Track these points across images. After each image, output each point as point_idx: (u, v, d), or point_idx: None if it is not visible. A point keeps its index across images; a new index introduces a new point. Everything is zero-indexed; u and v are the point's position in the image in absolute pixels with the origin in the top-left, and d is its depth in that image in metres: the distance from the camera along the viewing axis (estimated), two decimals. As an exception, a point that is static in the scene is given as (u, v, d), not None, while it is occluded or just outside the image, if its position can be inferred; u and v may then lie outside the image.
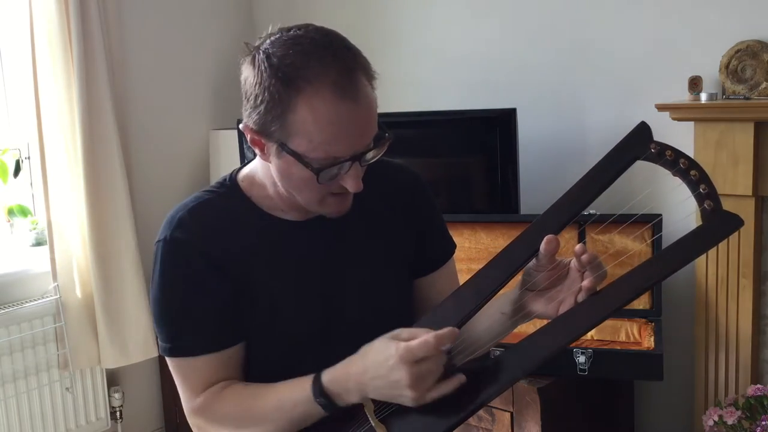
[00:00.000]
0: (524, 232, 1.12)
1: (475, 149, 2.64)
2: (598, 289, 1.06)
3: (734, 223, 1.00)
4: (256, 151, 1.14)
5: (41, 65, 2.56)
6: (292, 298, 1.20)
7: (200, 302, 1.17)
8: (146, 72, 2.99)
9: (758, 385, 2.07)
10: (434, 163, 2.73)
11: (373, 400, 1.09)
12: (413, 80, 2.97)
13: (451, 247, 1.38)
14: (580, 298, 1.06)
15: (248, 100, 1.08)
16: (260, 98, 1.05)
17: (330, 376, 1.11)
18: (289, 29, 1.08)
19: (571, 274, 1.09)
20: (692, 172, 1.01)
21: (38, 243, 2.78)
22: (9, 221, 2.79)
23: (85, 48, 2.60)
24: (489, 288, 1.10)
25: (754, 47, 2.18)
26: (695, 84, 2.25)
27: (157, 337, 1.23)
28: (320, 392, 1.10)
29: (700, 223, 1.01)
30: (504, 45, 2.75)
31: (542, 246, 1.07)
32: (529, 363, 1.03)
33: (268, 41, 1.08)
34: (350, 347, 1.19)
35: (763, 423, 1.98)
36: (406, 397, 1.04)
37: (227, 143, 3.03)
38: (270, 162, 1.13)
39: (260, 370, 1.22)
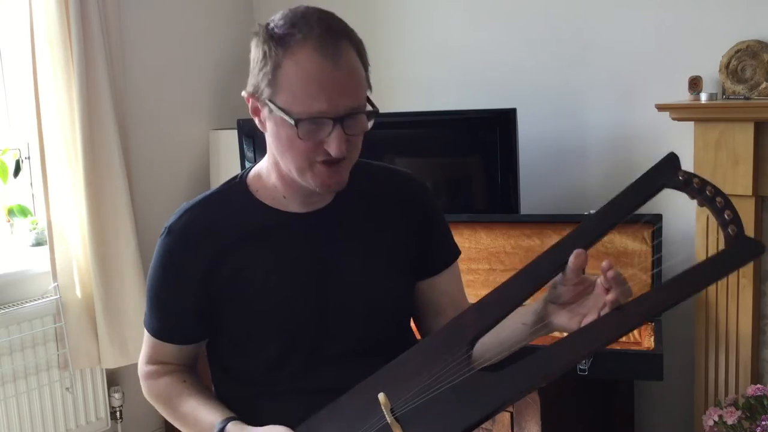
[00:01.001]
0: (552, 248, 1.13)
1: (475, 149, 2.63)
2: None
3: (757, 248, 1.03)
4: (256, 121, 1.22)
5: (41, 65, 2.56)
6: (288, 288, 1.25)
7: (172, 299, 1.30)
8: (146, 72, 2.98)
9: (758, 385, 2.07)
10: (434, 163, 2.73)
11: (390, 398, 1.11)
12: (413, 80, 2.97)
13: (455, 252, 1.42)
14: (603, 312, 1.07)
15: (251, 70, 1.18)
16: (257, 60, 1.16)
17: (236, 428, 1.23)
18: (292, 8, 1.19)
19: (597, 291, 1.10)
20: (718, 200, 1.05)
21: (38, 243, 2.77)
22: (9, 221, 2.79)
23: (85, 48, 2.60)
24: (515, 300, 1.11)
25: (754, 47, 2.18)
26: (695, 84, 2.25)
27: None
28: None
29: (718, 244, 1.04)
30: (504, 45, 2.75)
31: (571, 260, 1.09)
32: (551, 370, 1.04)
33: (271, 18, 1.19)
34: (344, 340, 1.26)
35: (763, 423, 1.98)
36: None
37: (227, 143, 3.03)
38: (266, 130, 1.21)
39: (257, 359, 1.28)
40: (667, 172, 1.08)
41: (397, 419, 1.09)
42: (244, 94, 1.21)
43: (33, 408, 2.62)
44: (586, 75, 2.58)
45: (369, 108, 1.17)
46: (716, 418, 2.06)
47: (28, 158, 2.73)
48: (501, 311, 1.11)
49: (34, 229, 2.79)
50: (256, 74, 1.16)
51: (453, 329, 1.13)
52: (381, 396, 1.12)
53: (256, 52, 1.16)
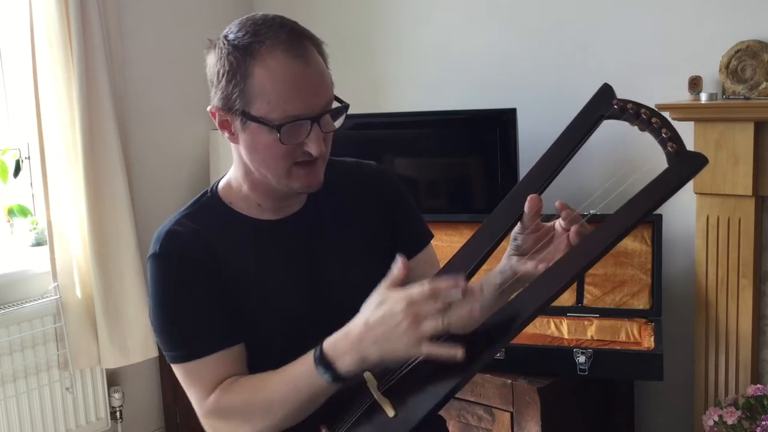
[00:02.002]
0: (503, 202, 1.15)
1: (475, 149, 2.63)
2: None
3: (699, 161, 1.04)
4: (225, 135, 1.21)
5: (41, 65, 2.56)
6: (281, 294, 1.25)
7: (199, 305, 1.21)
8: (146, 72, 2.99)
9: (758, 385, 2.07)
10: (434, 163, 2.73)
11: (375, 375, 1.11)
12: (413, 80, 2.97)
13: (427, 235, 1.43)
14: (573, 243, 1.09)
15: (212, 82, 1.17)
16: (221, 72, 1.14)
17: (330, 340, 1.12)
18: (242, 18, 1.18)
19: (558, 235, 1.12)
20: (654, 120, 1.07)
21: (38, 243, 2.78)
22: (9, 221, 2.79)
23: (85, 48, 2.60)
24: (477, 253, 1.13)
25: (754, 47, 2.18)
26: (695, 84, 2.25)
27: (160, 348, 1.27)
28: (320, 358, 1.11)
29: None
30: (504, 45, 2.75)
31: (526, 205, 1.11)
32: (526, 313, 1.03)
33: (225, 30, 1.18)
34: (336, 329, 1.22)
35: (763, 423, 1.98)
36: (404, 340, 1.04)
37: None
38: (239, 143, 1.20)
39: (260, 365, 1.25)
40: (602, 104, 1.12)
41: (384, 394, 1.10)
42: (209, 108, 1.19)
43: (33, 408, 2.62)
44: (586, 75, 2.57)
45: (339, 105, 1.19)
46: (716, 418, 2.06)
47: (28, 158, 2.73)
48: (466, 266, 1.13)
49: (34, 229, 2.79)
50: (224, 87, 1.15)
51: None
52: (367, 374, 1.12)
53: (219, 65, 1.15)
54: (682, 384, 2.42)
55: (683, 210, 2.32)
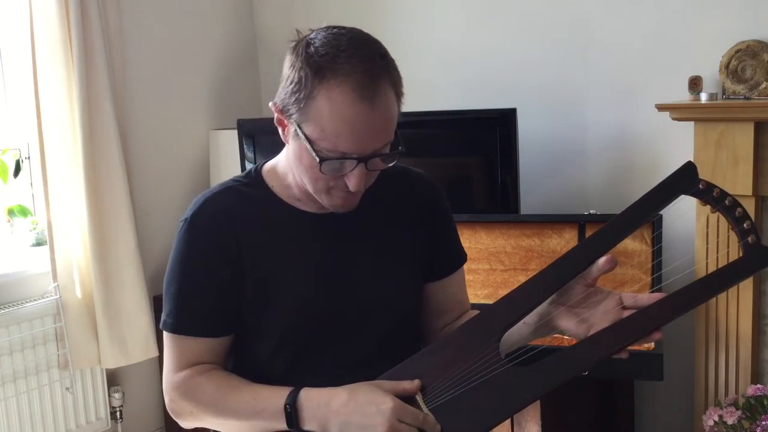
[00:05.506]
0: (575, 249, 1.18)
1: (475, 149, 2.63)
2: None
3: None
4: (279, 130, 1.21)
5: (41, 65, 2.56)
6: (304, 286, 1.25)
7: (205, 288, 1.24)
8: (146, 72, 2.98)
9: (758, 385, 2.07)
10: (434, 163, 2.73)
11: (424, 392, 1.14)
12: (413, 80, 2.95)
13: (462, 258, 1.43)
14: (625, 313, 1.11)
15: (282, 80, 1.16)
16: (290, 79, 1.13)
17: (310, 392, 1.16)
18: (335, 27, 1.17)
19: (609, 304, 1.13)
20: (737, 210, 1.11)
21: (38, 243, 2.77)
22: (9, 221, 2.79)
23: (85, 48, 2.59)
24: (543, 294, 1.15)
25: (754, 47, 2.18)
26: (695, 84, 2.25)
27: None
28: (293, 401, 1.15)
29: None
30: (504, 45, 2.75)
31: (602, 261, 1.12)
32: (582, 364, 1.08)
33: (314, 33, 1.16)
34: (358, 336, 1.26)
35: (763, 423, 1.98)
36: None
37: (227, 143, 3.03)
38: (288, 143, 1.21)
39: (271, 358, 1.26)
40: (686, 181, 1.13)
41: (430, 410, 1.12)
42: (271, 104, 1.19)
43: (33, 408, 2.62)
44: (586, 75, 2.58)
45: (394, 151, 1.19)
46: (716, 418, 2.06)
47: (28, 158, 2.73)
48: (529, 305, 1.15)
49: (34, 229, 2.78)
50: (288, 94, 1.14)
51: (483, 323, 1.17)
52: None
53: (291, 71, 1.14)
54: (682, 384, 2.42)
55: (683, 210, 2.32)
